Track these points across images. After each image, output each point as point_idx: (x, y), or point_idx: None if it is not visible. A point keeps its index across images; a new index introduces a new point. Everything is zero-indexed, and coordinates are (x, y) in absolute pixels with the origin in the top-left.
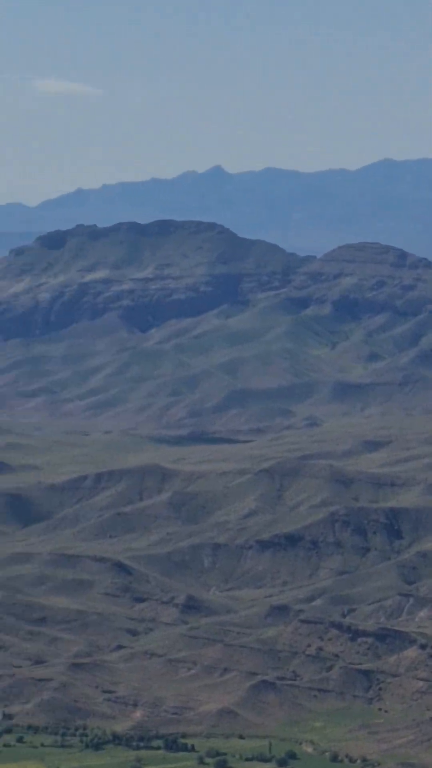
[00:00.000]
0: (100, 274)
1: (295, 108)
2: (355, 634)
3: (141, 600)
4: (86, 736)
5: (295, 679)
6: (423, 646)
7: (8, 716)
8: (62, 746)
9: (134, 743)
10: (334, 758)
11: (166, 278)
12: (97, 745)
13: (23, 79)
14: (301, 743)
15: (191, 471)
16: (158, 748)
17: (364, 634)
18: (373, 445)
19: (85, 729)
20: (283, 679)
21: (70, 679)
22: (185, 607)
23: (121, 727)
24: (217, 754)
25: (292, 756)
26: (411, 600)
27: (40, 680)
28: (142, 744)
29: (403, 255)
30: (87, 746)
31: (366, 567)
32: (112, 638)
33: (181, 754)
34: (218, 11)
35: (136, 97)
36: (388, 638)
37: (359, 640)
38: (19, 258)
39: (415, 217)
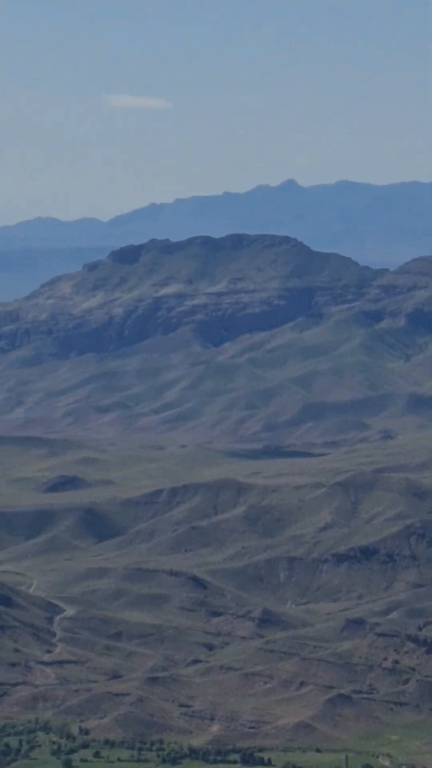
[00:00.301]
0: (174, 288)
1: (368, 120)
2: (431, 647)
3: (217, 614)
4: (163, 750)
5: (371, 693)
6: None
7: (85, 731)
8: (139, 761)
9: (211, 757)
10: None
11: (240, 292)
12: (173, 760)
13: (95, 94)
14: (377, 756)
15: (266, 485)
16: (235, 761)
17: None
18: None
19: (161, 743)
20: (359, 692)
21: (146, 694)
22: (261, 621)
23: (197, 741)
24: (294, 767)
25: None
26: None
27: (117, 695)
28: (219, 758)
29: None
30: (164, 761)
31: None
32: (188, 652)
33: (257, 767)
34: (294, 25)
35: (209, 111)
36: None
37: None
38: (92, 273)
39: None
